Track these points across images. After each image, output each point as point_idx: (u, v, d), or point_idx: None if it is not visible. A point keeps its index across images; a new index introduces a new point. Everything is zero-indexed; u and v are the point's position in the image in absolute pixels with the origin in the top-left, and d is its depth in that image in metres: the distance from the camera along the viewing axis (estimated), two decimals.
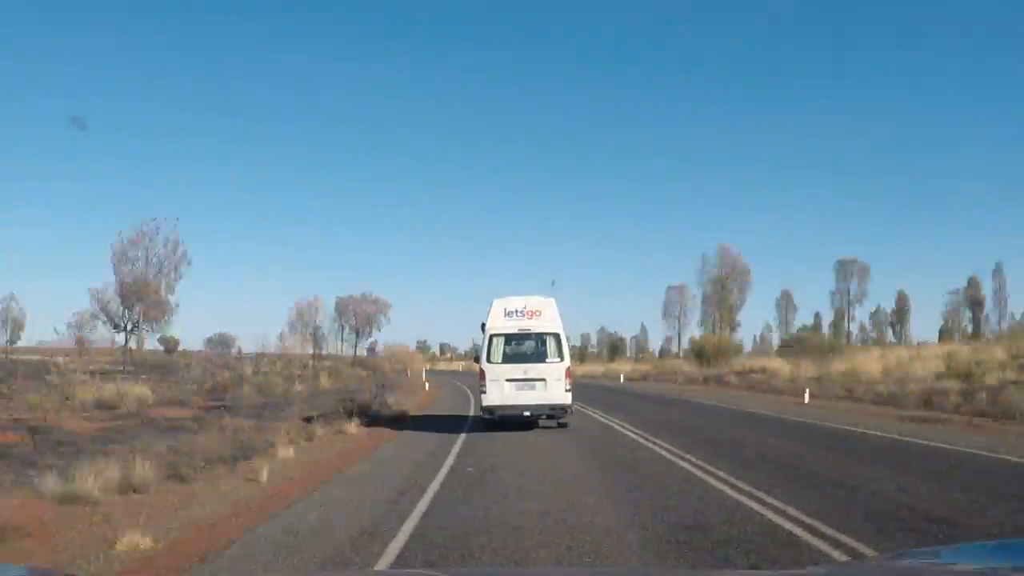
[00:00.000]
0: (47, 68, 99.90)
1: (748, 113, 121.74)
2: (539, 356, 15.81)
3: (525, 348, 16.12)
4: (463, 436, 14.95)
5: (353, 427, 15.47)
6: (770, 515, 7.08)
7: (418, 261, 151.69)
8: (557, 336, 15.74)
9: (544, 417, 15.70)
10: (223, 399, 22.23)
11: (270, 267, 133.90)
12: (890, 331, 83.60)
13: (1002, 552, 2.17)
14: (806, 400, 24.19)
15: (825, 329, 71.84)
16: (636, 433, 15.14)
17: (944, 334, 72.67)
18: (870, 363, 32.92)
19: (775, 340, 76.82)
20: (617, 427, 16.75)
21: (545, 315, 15.80)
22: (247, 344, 60.84)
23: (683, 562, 5.58)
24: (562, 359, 15.55)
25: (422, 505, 7.79)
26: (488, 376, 15.32)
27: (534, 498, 8.21)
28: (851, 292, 76.87)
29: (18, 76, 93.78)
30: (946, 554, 2.44)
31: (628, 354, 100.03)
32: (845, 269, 76.51)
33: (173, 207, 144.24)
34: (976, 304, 76.96)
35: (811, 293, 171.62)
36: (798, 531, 6.47)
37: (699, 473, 9.69)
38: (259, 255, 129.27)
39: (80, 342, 41.95)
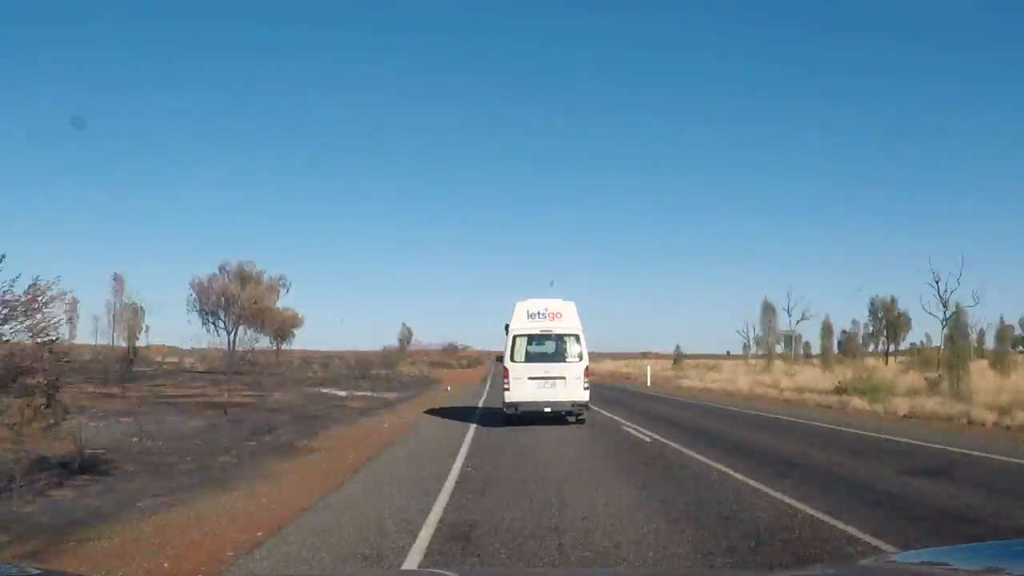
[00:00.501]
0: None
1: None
2: (559, 356, 16.50)
3: (546, 348, 16.77)
4: None
5: None
6: None
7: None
8: (577, 337, 16.46)
9: (564, 414, 16.31)
10: None
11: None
12: None
13: (1002, 552, 2.15)
14: None
15: None
16: None
17: None
18: None
19: None
20: None
21: (565, 317, 16.60)
22: None
23: None
24: (581, 359, 16.29)
25: None
26: (511, 374, 16.17)
27: None
28: None
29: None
30: (946, 554, 2.43)
31: None
32: None
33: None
34: None
35: None
36: None
37: None
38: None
39: None
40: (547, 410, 15.94)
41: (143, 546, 5.72)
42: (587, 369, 16.28)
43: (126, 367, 31.83)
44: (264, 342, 47.38)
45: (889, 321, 68.78)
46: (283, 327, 51.96)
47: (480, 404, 24.20)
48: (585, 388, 16.04)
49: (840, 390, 25.31)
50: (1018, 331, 70.89)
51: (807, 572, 3.90)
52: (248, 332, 41.30)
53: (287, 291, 48.29)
